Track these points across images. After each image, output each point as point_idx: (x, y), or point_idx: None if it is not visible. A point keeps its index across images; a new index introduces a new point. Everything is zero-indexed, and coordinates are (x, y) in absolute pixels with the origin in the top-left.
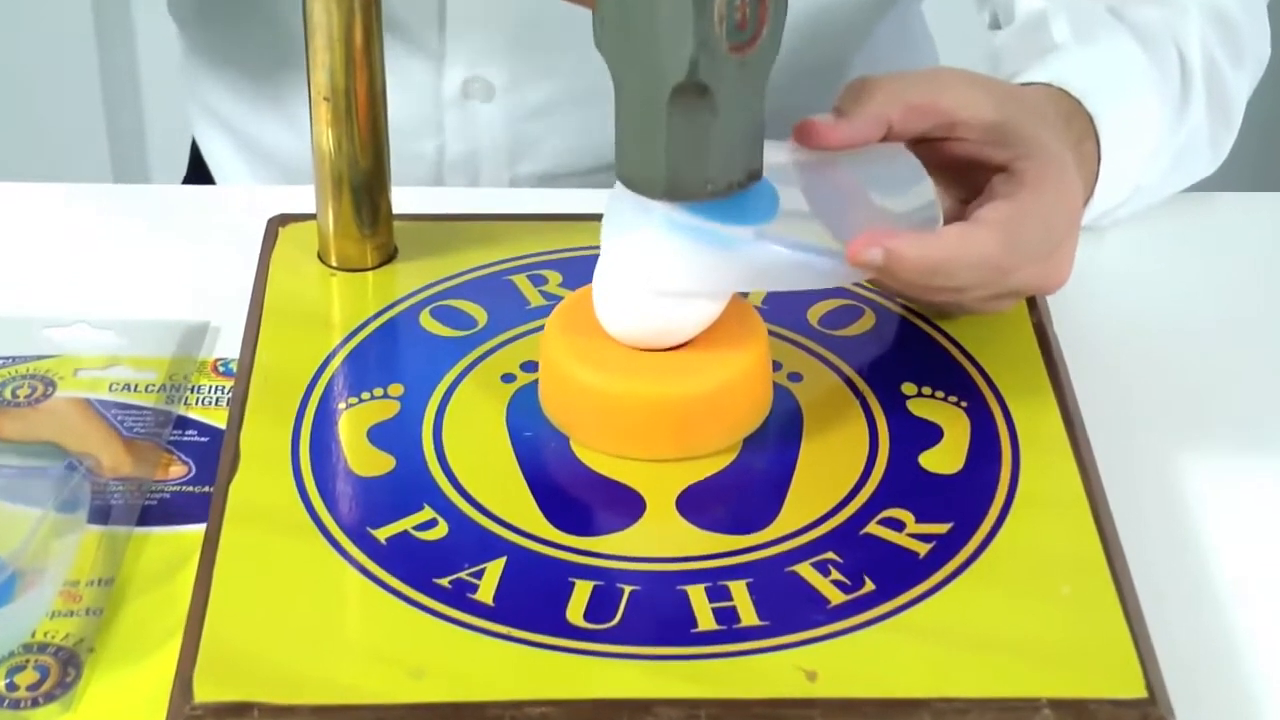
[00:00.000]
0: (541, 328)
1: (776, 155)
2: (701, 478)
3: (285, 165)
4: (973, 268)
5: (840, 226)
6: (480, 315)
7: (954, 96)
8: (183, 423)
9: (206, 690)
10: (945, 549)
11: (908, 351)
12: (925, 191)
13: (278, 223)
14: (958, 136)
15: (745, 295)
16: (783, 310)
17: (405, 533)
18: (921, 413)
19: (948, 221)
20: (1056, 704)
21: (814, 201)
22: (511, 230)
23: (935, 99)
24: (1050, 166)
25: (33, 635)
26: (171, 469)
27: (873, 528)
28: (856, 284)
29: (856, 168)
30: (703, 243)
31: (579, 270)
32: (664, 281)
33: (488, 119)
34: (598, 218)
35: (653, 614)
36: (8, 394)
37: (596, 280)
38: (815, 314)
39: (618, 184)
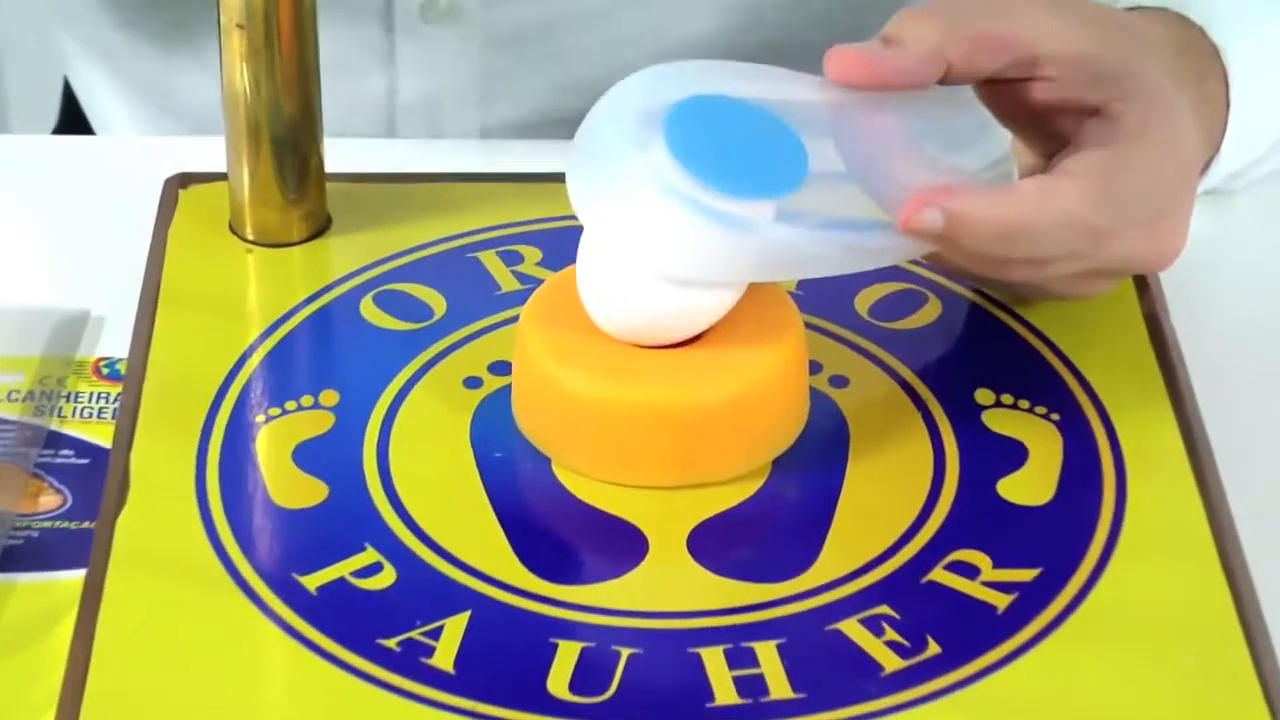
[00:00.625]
0: (515, 319)
1: (803, 91)
2: (719, 510)
3: (190, 111)
4: (1058, 230)
5: (884, 188)
6: (437, 303)
7: (1035, 25)
8: (56, 440)
9: None
10: (1031, 602)
11: (982, 348)
12: (995, 147)
13: (177, 184)
14: (1040, 75)
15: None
16: (823, 296)
17: (341, 580)
18: (1000, 427)
19: None
20: None
21: (851, 157)
22: (478, 194)
23: (1011, 28)
24: (1157, 109)
25: None
26: (42, 499)
27: (938, 574)
28: (912, 262)
29: (906, 116)
30: (711, 223)
31: (563, 246)
32: (663, 265)
33: (453, 49)
34: None
35: (657, 684)
36: None
37: (581, 257)
38: (865, 301)
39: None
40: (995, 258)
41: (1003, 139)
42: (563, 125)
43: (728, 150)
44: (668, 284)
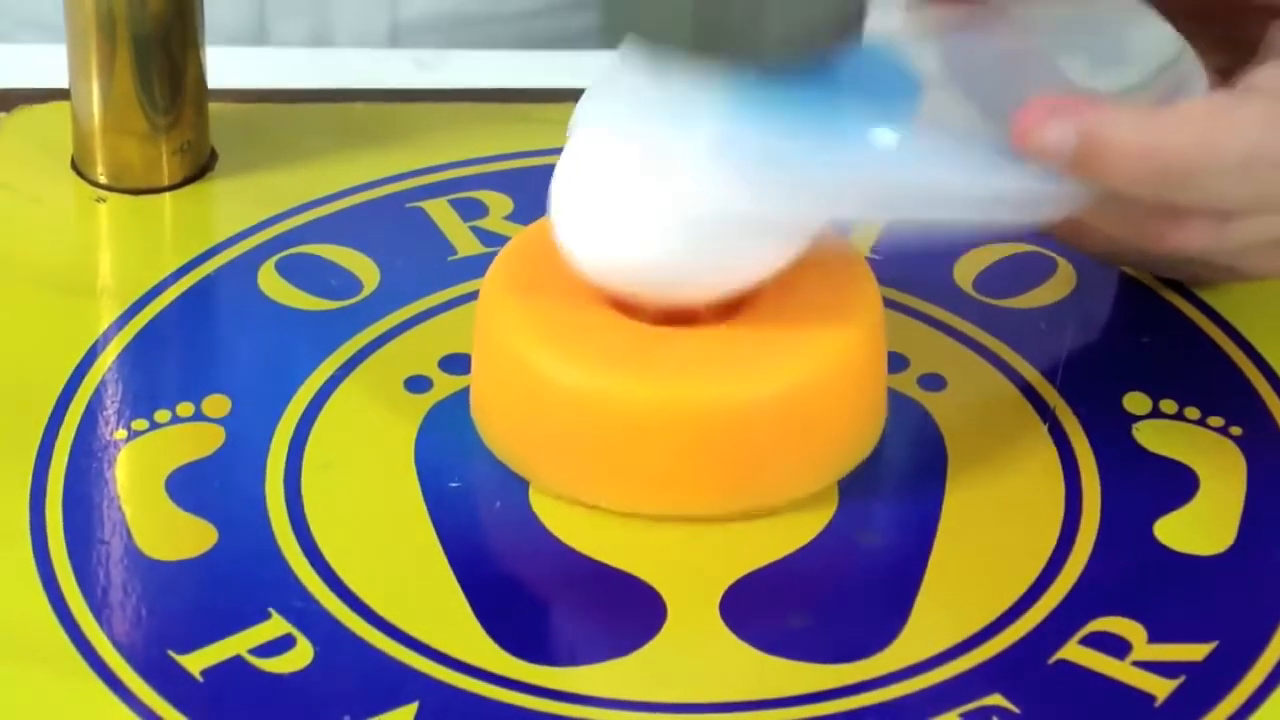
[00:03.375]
0: (476, 294)
1: (894, 22)
2: (765, 561)
3: (19, 11)
4: (1238, 168)
5: (1004, 119)
6: (367, 272)
7: None
8: None
9: None
10: (1202, 689)
11: (1136, 337)
12: (1156, 56)
13: None
14: None
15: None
16: (911, 262)
17: (237, 660)
18: (1160, 446)
19: None
20: None
21: (968, 82)
22: (423, 119)
23: None
24: None
25: None
26: None
27: (1072, 651)
28: (1037, 236)
29: (1038, 30)
30: (775, 138)
31: (543, 193)
32: (701, 206)
33: None
34: (568, 95)
35: None
36: None
37: (564, 170)
38: (969, 270)
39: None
40: (1151, 207)
41: (1173, 39)
42: (514, 23)
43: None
44: (698, 224)
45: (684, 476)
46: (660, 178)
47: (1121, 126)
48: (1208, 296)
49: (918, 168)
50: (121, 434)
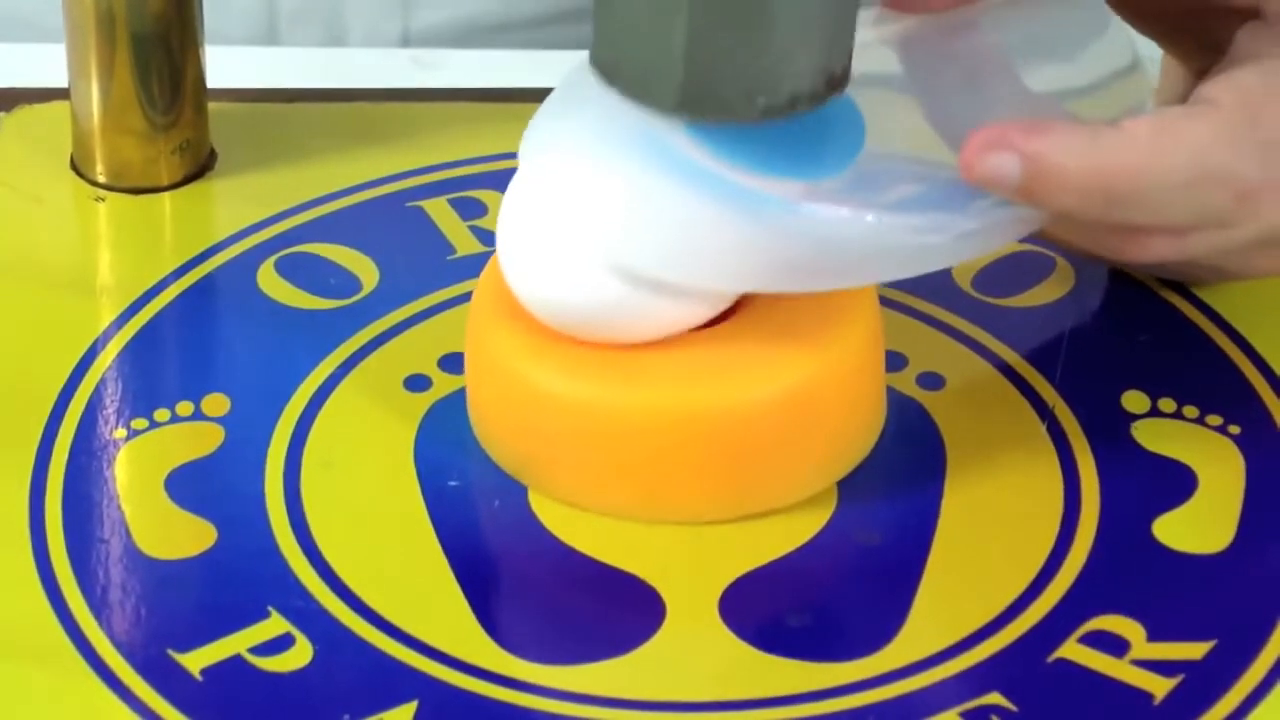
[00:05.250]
0: (470, 294)
1: (860, 32)
2: (764, 560)
3: (18, 13)
4: (1182, 187)
5: (958, 132)
6: (366, 272)
7: None
8: None
9: None
10: (1201, 687)
11: (1134, 335)
12: (1112, 62)
13: None
14: None
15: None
16: None
17: (236, 659)
18: (1158, 445)
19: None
20: None
21: (928, 90)
22: (420, 118)
23: None
24: None
25: None
26: None
27: (1071, 650)
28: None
29: (999, 34)
30: (712, 199)
31: None
32: (635, 258)
33: None
34: None
35: None
36: None
37: (507, 216)
38: (966, 269)
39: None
40: (1099, 223)
41: (1126, 45)
42: (517, 32)
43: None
44: (631, 281)
45: (682, 481)
46: (592, 223)
47: (1063, 152)
48: (1207, 296)
49: (866, 228)
50: (121, 433)
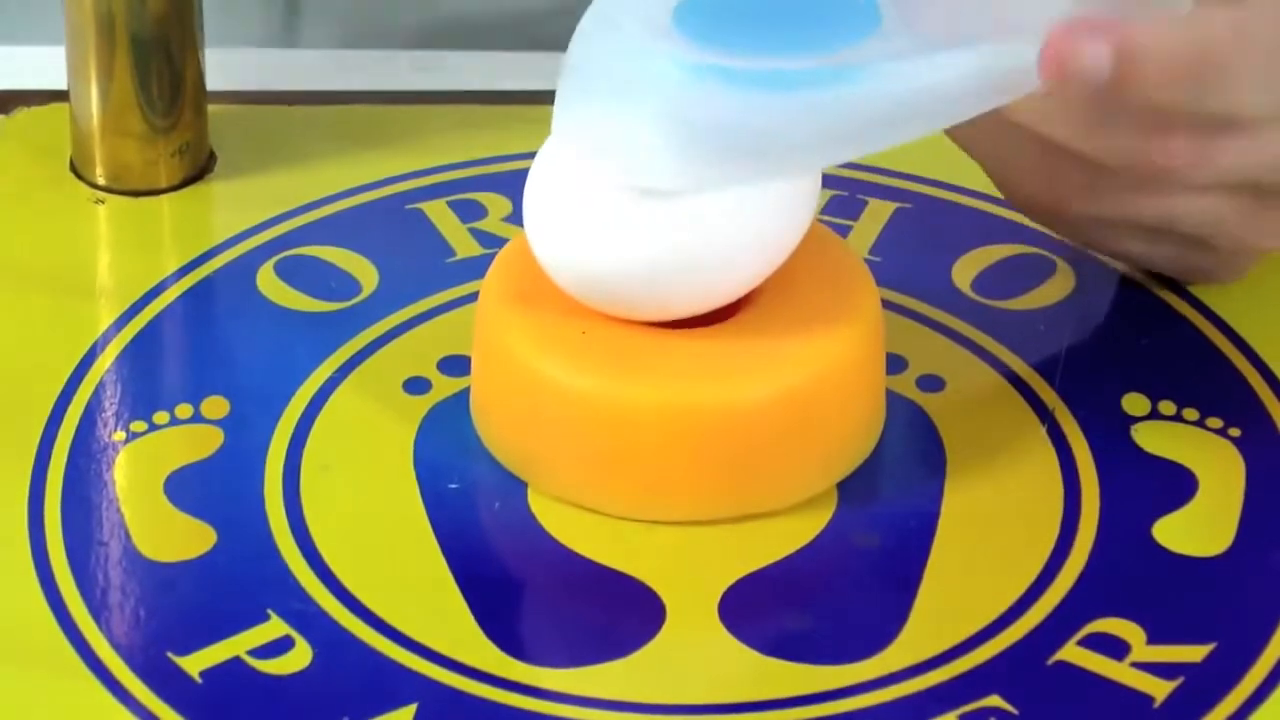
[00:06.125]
0: (475, 295)
1: None
2: (764, 563)
3: (12, 5)
4: (1262, 66)
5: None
6: (365, 274)
7: None
8: None
9: None
10: (1201, 690)
11: (1134, 338)
12: None
13: None
14: None
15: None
16: (909, 263)
17: (236, 661)
18: (1158, 447)
19: None
20: None
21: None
22: (419, 120)
23: None
24: None
25: None
26: None
27: (1070, 653)
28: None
29: None
30: (735, 89)
31: None
32: (667, 172)
33: None
34: None
35: None
36: None
37: (531, 184)
38: (967, 270)
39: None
40: (1139, 122)
41: None
42: (526, 31)
43: (759, 13)
44: (665, 206)
45: (683, 480)
46: (632, 193)
47: (1154, 36)
48: (1207, 298)
49: (879, 87)
50: (120, 435)
